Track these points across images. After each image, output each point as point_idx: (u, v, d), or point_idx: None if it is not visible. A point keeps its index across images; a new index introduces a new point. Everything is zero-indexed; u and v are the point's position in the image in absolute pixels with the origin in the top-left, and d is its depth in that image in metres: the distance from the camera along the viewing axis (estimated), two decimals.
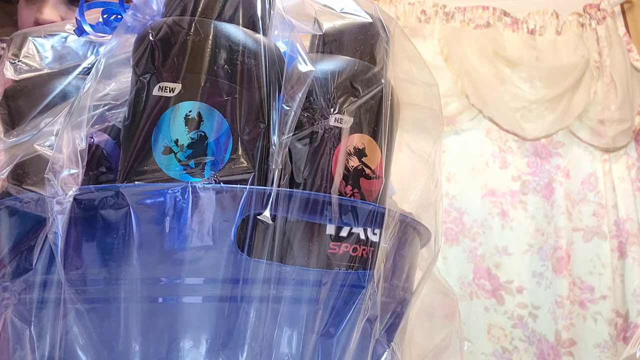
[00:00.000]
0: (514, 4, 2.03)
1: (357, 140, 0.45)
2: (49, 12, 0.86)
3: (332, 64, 0.47)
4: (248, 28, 0.45)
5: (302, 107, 0.44)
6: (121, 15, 0.51)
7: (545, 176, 1.94)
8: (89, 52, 0.52)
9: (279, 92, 0.44)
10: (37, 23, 0.87)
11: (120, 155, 0.43)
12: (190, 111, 0.41)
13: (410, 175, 0.51)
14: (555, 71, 1.96)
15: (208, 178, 0.40)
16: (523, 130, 1.94)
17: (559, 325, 1.85)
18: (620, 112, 1.91)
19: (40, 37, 0.52)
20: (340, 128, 0.45)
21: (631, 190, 1.91)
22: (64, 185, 0.39)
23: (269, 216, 0.39)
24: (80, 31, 0.51)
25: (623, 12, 2.02)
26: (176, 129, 0.41)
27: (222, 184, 0.40)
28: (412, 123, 0.52)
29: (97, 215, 0.39)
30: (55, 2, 0.88)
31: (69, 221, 0.39)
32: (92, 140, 0.46)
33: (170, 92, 0.42)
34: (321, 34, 0.48)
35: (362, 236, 0.42)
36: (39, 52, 0.52)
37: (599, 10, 2.00)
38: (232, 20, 0.45)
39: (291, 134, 0.42)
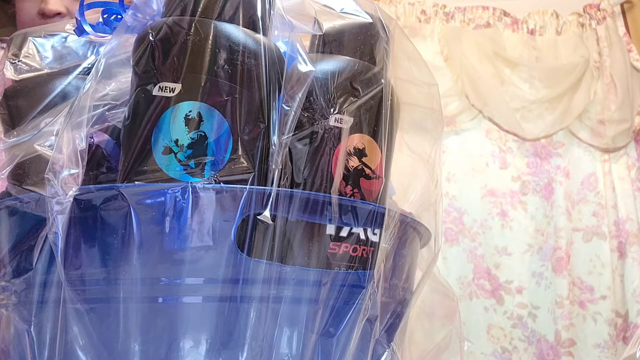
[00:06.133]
0: (514, 4, 2.03)
1: (357, 140, 0.45)
2: (54, 2, 0.85)
3: (332, 64, 0.47)
4: (248, 28, 0.45)
5: (302, 107, 0.44)
6: (121, 15, 0.51)
7: (545, 176, 1.94)
8: (89, 52, 0.52)
9: (279, 92, 0.44)
10: (42, 14, 0.85)
11: (120, 155, 0.43)
12: (190, 111, 0.41)
13: (410, 175, 0.51)
14: (555, 71, 1.96)
15: (208, 178, 0.40)
16: (523, 130, 1.93)
17: (558, 325, 1.85)
18: (620, 112, 1.91)
19: (40, 37, 0.52)
20: (340, 128, 0.45)
21: (631, 190, 1.91)
22: (64, 185, 0.39)
23: (269, 216, 0.39)
24: (80, 31, 0.51)
25: (623, 12, 2.02)
26: (176, 129, 0.41)
27: (222, 184, 0.40)
28: (412, 123, 0.52)
29: (97, 215, 0.39)
30: None
31: (69, 221, 0.39)
32: (92, 140, 0.46)
33: (170, 92, 0.42)
34: (321, 34, 0.48)
35: (362, 236, 0.42)
36: (39, 52, 0.52)
37: (599, 10, 2.00)
38: (232, 20, 0.45)
39: (291, 134, 0.42)
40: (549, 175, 1.94)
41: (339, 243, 0.42)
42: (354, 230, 0.42)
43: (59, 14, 0.85)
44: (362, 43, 0.49)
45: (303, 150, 0.44)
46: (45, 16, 0.85)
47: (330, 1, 0.49)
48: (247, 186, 0.40)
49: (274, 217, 0.40)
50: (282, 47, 0.47)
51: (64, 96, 0.49)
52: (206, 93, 0.42)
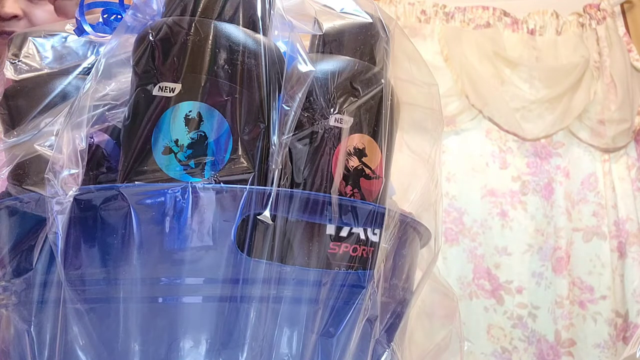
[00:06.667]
0: (514, 4, 2.03)
1: (357, 140, 0.45)
2: (10, 5, 0.87)
3: (332, 64, 0.47)
4: (248, 28, 0.45)
5: (302, 107, 0.44)
6: (121, 15, 0.51)
7: (545, 176, 1.94)
8: (89, 52, 0.52)
9: (279, 92, 0.44)
10: None
11: (120, 155, 0.43)
12: (190, 111, 0.41)
13: (410, 175, 0.51)
14: (555, 71, 1.96)
15: (208, 178, 0.40)
16: (523, 130, 1.94)
17: (558, 325, 1.85)
18: (620, 112, 1.91)
19: (40, 37, 0.52)
20: (340, 128, 0.45)
21: (631, 190, 1.91)
22: (64, 185, 0.39)
23: (269, 216, 0.39)
24: (80, 31, 0.51)
25: (623, 12, 2.02)
26: (176, 129, 0.41)
27: (222, 184, 0.40)
28: (412, 123, 0.52)
29: (97, 215, 0.39)
30: None
31: (69, 221, 0.39)
32: (92, 140, 0.46)
33: (170, 92, 0.42)
34: (321, 34, 0.48)
35: (362, 236, 0.42)
36: (39, 52, 0.52)
37: (599, 10, 2.00)
38: (232, 20, 0.45)
39: (291, 134, 0.42)
40: (549, 175, 1.94)
41: (339, 243, 0.42)
42: (354, 230, 0.42)
43: (15, 16, 0.87)
44: (362, 43, 0.49)
45: (303, 150, 0.44)
46: (2, 19, 0.87)
47: (330, 1, 0.49)
48: (247, 186, 0.40)
49: (274, 217, 0.40)
50: (282, 47, 0.47)
51: (64, 96, 0.49)
52: (206, 93, 0.42)
